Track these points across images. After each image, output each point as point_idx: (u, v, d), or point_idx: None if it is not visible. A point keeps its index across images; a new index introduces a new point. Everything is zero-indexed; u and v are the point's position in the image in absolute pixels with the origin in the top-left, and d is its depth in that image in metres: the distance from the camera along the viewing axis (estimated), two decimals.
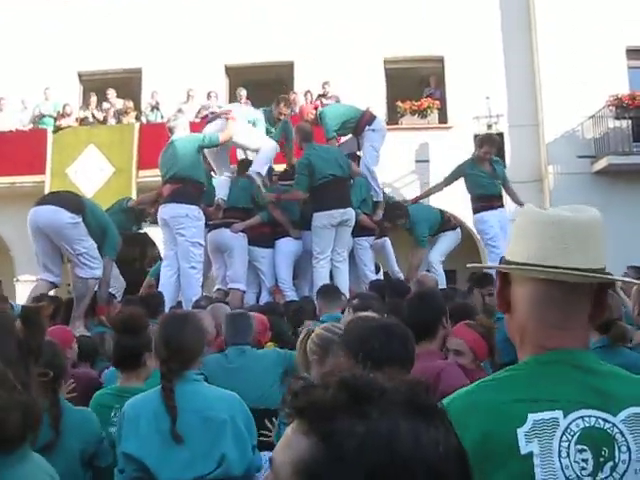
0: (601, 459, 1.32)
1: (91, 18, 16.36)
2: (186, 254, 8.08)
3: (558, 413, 1.35)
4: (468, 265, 1.87)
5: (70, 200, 6.95)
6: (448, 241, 9.46)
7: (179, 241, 8.11)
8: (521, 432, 1.32)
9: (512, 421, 1.32)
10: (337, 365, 2.79)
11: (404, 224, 9.16)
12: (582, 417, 1.35)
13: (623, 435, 1.34)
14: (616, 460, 1.33)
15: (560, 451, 1.32)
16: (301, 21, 16.05)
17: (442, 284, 8.62)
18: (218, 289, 8.82)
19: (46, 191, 14.22)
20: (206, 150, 8.62)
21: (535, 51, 15.93)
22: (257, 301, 8.61)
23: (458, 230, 9.57)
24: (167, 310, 6.58)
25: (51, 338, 4.00)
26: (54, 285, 7.09)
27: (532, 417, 1.34)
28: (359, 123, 9.30)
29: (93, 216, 6.95)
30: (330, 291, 6.42)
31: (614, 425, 1.35)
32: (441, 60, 16.39)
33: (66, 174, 14.31)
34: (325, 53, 15.65)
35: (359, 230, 8.79)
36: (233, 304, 7.55)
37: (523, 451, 1.31)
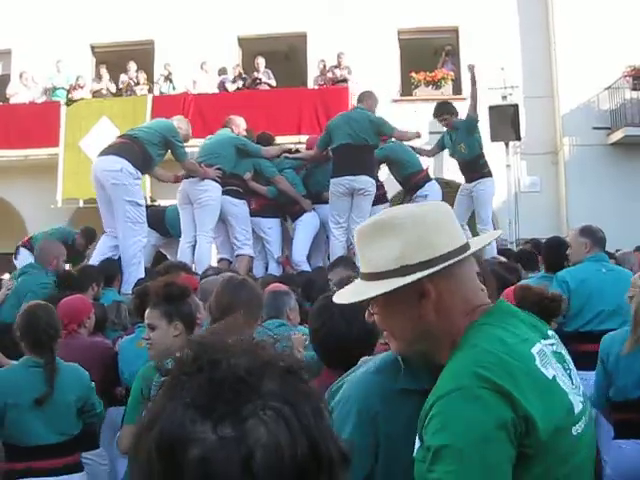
0: (567, 371, 1.60)
1: None
2: (122, 213, 7.56)
3: (539, 345, 1.57)
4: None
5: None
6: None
7: (114, 199, 7.58)
8: (538, 364, 1.51)
9: (529, 358, 1.52)
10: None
11: None
12: (545, 345, 1.60)
13: (562, 350, 1.66)
14: (572, 369, 1.63)
15: (558, 369, 1.56)
16: None
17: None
18: (222, 259, 8.79)
19: (60, 163, 14.28)
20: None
21: (551, 21, 15.74)
22: (266, 272, 8.59)
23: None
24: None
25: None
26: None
27: (534, 351, 1.54)
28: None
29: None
30: (345, 262, 6.39)
31: (554, 344, 1.64)
32: (456, 31, 16.23)
33: (79, 147, 14.31)
34: (339, 24, 15.50)
35: (374, 198, 8.75)
36: (240, 271, 7.56)
37: (550, 376, 1.51)
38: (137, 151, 7.68)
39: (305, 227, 8.86)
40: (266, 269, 8.80)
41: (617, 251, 8.10)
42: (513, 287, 3.78)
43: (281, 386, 0.87)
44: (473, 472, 1.37)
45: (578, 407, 1.54)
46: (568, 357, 1.66)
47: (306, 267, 8.56)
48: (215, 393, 0.85)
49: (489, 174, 9.30)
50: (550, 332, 1.69)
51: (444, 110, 9.38)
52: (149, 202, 13.34)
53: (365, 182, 8.35)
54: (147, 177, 13.19)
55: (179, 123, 8.27)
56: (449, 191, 10.10)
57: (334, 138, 8.48)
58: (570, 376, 1.59)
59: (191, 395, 0.85)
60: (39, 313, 3.95)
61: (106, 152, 7.83)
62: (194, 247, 8.24)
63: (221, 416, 0.83)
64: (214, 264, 8.37)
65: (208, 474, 0.80)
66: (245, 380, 0.85)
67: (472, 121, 9.14)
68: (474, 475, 1.37)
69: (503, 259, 7.12)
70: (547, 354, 1.56)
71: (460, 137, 9.23)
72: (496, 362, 1.47)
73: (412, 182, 9.20)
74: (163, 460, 0.83)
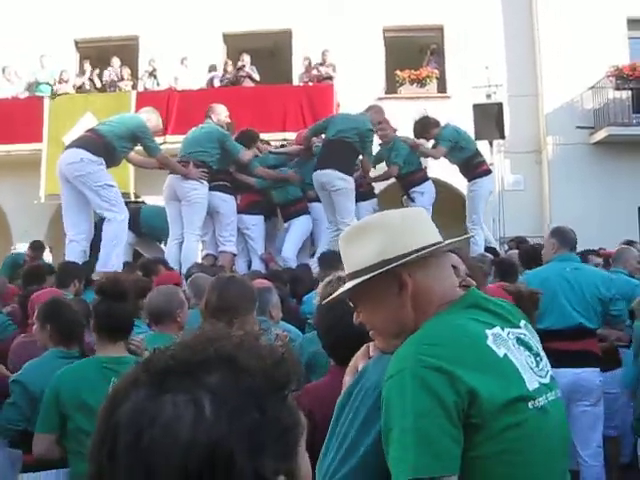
0: (534, 357, 1.70)
1: None
2: (97, 199, 7.49)
3: (497, 329, 1.67)
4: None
5: None
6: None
7: (85, 191, 7.49)
8: (490, 343, 1.61)
9: (479, 335, 1.62)
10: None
11: None
12: (510, 331, 1.70)
13: (531, 339, 1.75)
14: (541, 356, 1.73)
15: (515, 350, 1.65)
16: None
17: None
18: (207, 254, 8.78)
19: (43, 159, 14.17)
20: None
21: (535, 21, 15.80)
22: (249, 269, 8.58)
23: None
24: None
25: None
26: None
27: (489, 332, 1.64)
28: None
29: None
30: (329, 258, 6.39)
31: (524, 334, 1.74)
32: (441, 29, 16.26)
33: (63, 142, 14.17)
34: (324, 21, 15.49)
35: (358, 195, 8.78)
36: (223, 266, 7.60)
37: (501, 354, 1.61)
38: (99, 143, 7.59)
39: (300, 227, 8.87)
40: (249, 266, 8.79)
41: (600, 249, 8.16)
42: (494, 285, 3.83)
43: (220, 379, 0.87)
44: (411, 445, 1.47)
45: (533, 385, 1.61)
46: (538, 346, 1.77)
47: (293, 265, 8.57)
48: (153, 373, 0.88)
49: (484, 173, 9.43)
50: (523, 323, 1.80)
51: (421, 131, 9.52)
52: (133, 199, 13.33)
53: (329, 176, 8.28)
54: (131, 173, 13.22)
55: (148, 115, 8.17)
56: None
57: (327, 133, 8.57)
58: (537, 361, 1.69)
59: (136, 375, 0.89)
60: (66, 306, 3.95)
61: (69, 146, 7.85)
62: (181, 244, 8.21)
63: (145, 383, 0.87)
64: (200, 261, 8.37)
65: (116, 434, 0.84)
66: (182, 367, 0.87)
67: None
68: (411, 449, 1.47)
69: (490, 256, 7.17)
70: (504, 337, 1.66)
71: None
72: (438, 341, 1.58)
73: (408, 180, 9.26)
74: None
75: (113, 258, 7.30)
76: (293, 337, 4.31)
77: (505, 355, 1.60)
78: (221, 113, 8.80)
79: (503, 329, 1.68)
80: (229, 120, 8.94)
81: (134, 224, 8.86)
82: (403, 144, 9.24)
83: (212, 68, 15.46)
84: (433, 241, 1.73)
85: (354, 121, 8.53)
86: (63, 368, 3.49)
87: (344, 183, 8.32)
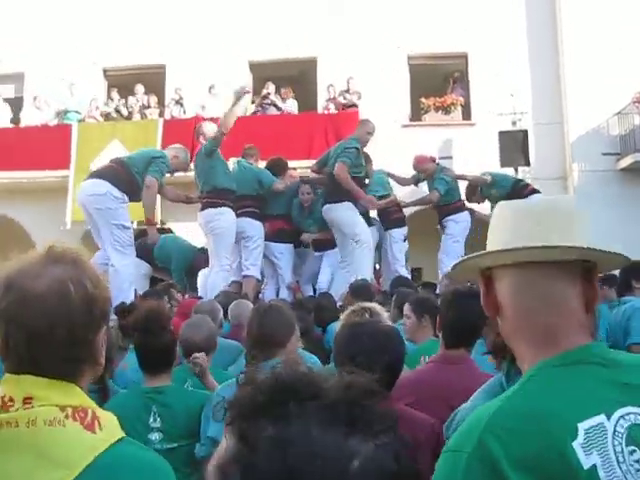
0: None
1: (115, 14, 16.42)
2: (109, 237, 7.41)
3: (602, 417, 1.23)
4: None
5: None
6: None
7: (100, 224, 7.44)
8: (577, 445, 1.19)
9: (564, 435, 1.20)
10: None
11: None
12: (622, 416, 1.23)
13: None
14: None
15: (617, 457, 1.20)
16: (325, 17, 16.00)
17: None
18: (233, 281, 8.77)
19: (70, 186, 14.33)
20: None
21: (560, 48, 15.79)
22: (276, 297, 8.59)
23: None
24: None
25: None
26: None
27: (581, 426, 1.21)
28: None
29: None
30: (358, 287, 6.39)
31: None
32: (465, 56, 16.31)
33: (90, 169, 14.32)
34: (349, 49, 15.60)
35: (389, 222, 8.81)
36: (246, 292, 7.62)
37: (586, 466, 1.18)
38: (123, 177, 7.52)
39: (333, 259, 8.88)
40: (277, 294, 8.79)
41: None
42: None
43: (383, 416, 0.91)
44: None
45: None
46: None
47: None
48: (336, 416, 0.88)
49: (531, 192, 9.41)
50: None
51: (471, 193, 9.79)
52: (159, 225, 13.40)
53: (329, 211, 8.42)
54: (158, 200, 13.30)
55: (176, 152, 8.12)
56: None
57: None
58: None
59: (317, 418, 0.88)
60: None
61: (91, 176, 7.79)
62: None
63: (360, 429, 0.88)
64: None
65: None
66: (358, 404, 0.89)
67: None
68: None
69: None
70: (607, 431, 1.22)
71: None
72: (515, 427, 1.23)
73: (445, 208, 9.41)
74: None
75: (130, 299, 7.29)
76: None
77: (593, 467, 1.18)
78: (209, 132, 8.48)
79: (611, 415, 1.24)
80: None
81: (148, 257, 8.87)
82: (446, 176, 9.31)
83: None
84: (511, 245, 1.38)
85: (337, 147, 8.61)
86: (114, 396, 3.52)
87: (336, 212, 8.41)
